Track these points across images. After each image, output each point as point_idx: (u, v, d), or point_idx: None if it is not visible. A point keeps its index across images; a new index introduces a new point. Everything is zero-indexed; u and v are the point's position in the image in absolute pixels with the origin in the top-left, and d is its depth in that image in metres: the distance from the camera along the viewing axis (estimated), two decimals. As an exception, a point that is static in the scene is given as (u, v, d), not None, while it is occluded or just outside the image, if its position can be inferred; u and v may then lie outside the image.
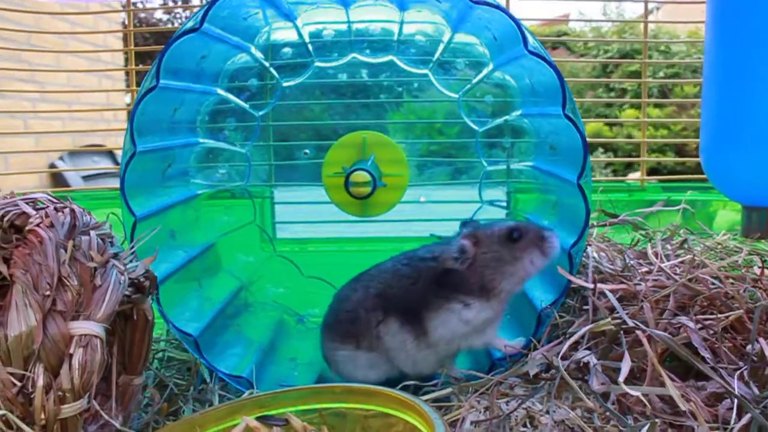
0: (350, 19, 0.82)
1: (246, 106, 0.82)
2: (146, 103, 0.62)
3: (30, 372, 0.45)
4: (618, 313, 0.61)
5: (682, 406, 0.50)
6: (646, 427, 0.48)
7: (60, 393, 0.45)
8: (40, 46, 2.40)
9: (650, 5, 1.16)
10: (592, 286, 0.66)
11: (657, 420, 0.49)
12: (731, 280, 0.68)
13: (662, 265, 0.70)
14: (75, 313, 0.47)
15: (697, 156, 0.71)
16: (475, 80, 0.82)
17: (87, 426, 0.51)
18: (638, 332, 0.57)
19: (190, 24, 0.64)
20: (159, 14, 6.34)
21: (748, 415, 0.49)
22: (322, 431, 0.50)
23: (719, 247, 0.81)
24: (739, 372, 0.53)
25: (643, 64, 1.16)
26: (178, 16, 5.96)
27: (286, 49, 0.85)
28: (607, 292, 0.63)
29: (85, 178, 2.81)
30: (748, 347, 0.56)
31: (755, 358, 0.55)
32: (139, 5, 5.59)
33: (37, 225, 0.48)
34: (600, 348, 0.61)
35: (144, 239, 0.58)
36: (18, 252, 0.46)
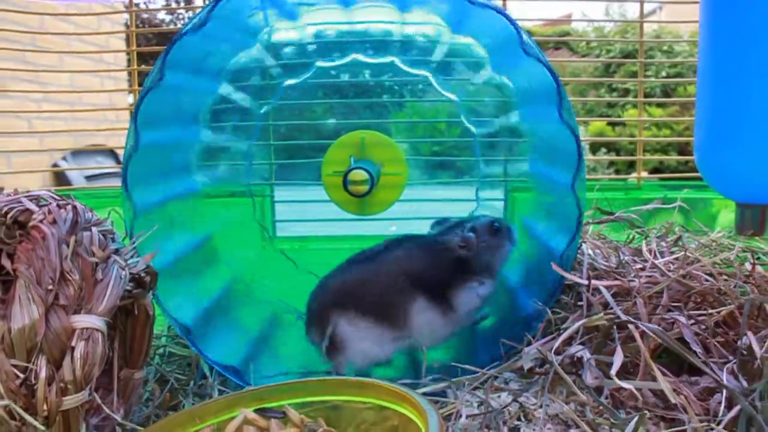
0: (351, 20, 0.83)
1: (248, 105, 0.83)
2: (149, 99, 0.63)
3: (33, 364, 0.46)
4: (612, 308, 0.62)
5: (673, 399, 0.51)
6: (635, 419, 0.48)
7: (62, 385, 0.46)
8: (44, 47, 2.42)
9: (652, 5, 1.17)
10: (586, 282, 0.67)
11: (646, 412, 0.50)
12: (724, 277, 0.69)
13: (656, 262, 0.71)
14: (77, 307, 0.48)
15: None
16: (474, 80, 0.83)
17: (89, 419, 0.52)
18: (631, 327, 0.58)
19: (195, 21, 0.65)
20: (162, 15, 6.37)
21: (737, 407, 0.50)
22: (319, 423, 0.51)
23: (713, 244, 0.82)
24: (728, 365, 0.54)
25: (640, 64, 1.17)
26: (180, 17, 5.97)
27: (288, 49, 0.86)
28: (602, 288, 0.64)
29: (88, 178, 2.82)
30: (739, 342, 0.57)
31: (744, 352, 0.56)
32: (143, 6, 5.62)
33: (40, 221, 0.49)
34: (594, 343, 0.62)
35: (144, 235, 0.59)
36: (21, 247, 0.47)
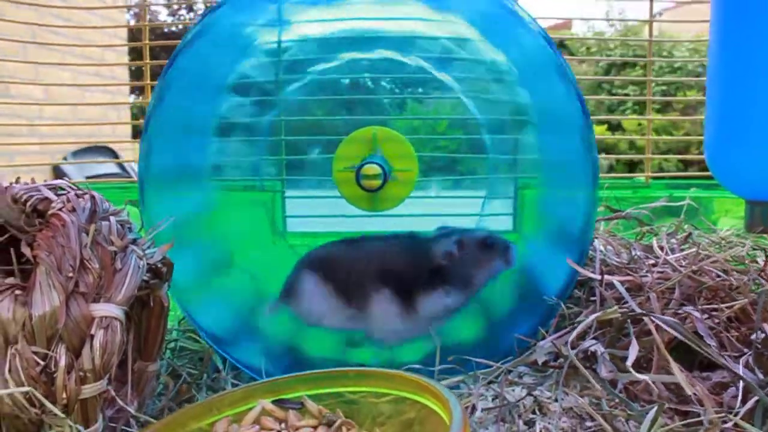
0: (356, 17, 0.83)
1: (249, 120, 0.84)
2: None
3: (53, 352, 0.46)
4: (625, 302, 0.63)
5: (689, 390, 0.51)
6: (653, 411, 0.49)
7: (81, 373, 0.46)
8: (46, 48, 2.42)
9: (655, 9, 1.18)
10: (599, 277, 0.67)
11: (664, 403, 0.50)
12: (735, 273, 0.69)
13: (668, 258, 0.71)
14: (96, 296, 0.48)
15: (700, 155, 0.72)
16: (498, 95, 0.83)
17: (104, 410, 0.52)
18: (646, 319, 0.58)
19: (197, 28, 0.65)
20: (163, 16, 6.37)
21: (753, 399, 0.50)
22: (337, 414, 0.51)
23: (723, 242, 0.82)
24: (743, 358, 0.54)
25: (648, 63, 1.18)
26: (182, 17, 5.98)
27: (290, 50, 0.86)
28: (616, 282, 0.64)
29: (89, 178, 2.82)
30: (753, 335, 0.57)
31: (759, 345, 0.56)
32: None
33: (60, 209, 0.49)
34: (607, 337, 0.62)
35: (163, 226, 0.59)
36: (42, 234, 0.47)
